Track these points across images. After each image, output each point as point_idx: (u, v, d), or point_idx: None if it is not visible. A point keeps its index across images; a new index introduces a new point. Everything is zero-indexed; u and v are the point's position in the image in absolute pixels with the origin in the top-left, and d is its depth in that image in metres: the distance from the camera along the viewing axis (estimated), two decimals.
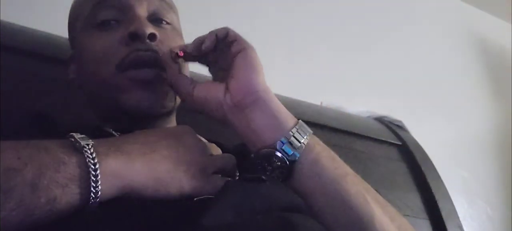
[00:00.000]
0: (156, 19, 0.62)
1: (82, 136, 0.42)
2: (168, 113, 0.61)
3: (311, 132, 0.53)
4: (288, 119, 0.52)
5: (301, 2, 1.53)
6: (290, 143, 0.50)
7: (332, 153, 0.53)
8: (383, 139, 1.18)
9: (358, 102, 1.35)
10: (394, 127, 1.24)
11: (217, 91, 0.54)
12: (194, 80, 0.57)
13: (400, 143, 1.19)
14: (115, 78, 0.57)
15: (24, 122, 0.63)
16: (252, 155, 0.52)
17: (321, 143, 0.54)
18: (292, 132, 0.51)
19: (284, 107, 0.54)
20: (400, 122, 1.27)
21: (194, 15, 1.23)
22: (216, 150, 0.53)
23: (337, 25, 1.57)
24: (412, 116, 1.36)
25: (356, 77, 1.53)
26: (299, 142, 0.50)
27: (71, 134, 0.42)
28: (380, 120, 1.28)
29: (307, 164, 0.51)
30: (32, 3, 0.98)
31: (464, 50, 1.98)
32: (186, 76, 0.58)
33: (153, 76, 0.57)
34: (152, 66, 0.57)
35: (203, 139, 0.51)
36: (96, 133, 0.46)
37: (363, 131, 1.17)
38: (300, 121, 0.53)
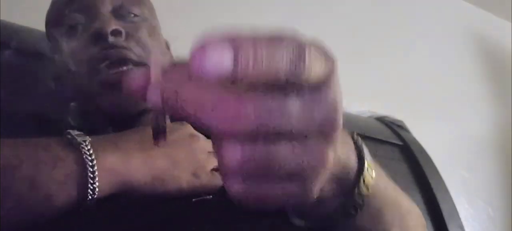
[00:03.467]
0: (122, 13, 0.60)
1: (79, 132, 0.42)
2: (148, 111, 0.58)
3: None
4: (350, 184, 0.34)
5: (301, 2, 1.53)
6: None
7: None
8: (384, 139, 1.17)
9: (359, 102, 1.34)
10: (395, 127, 1.24)
11: None
12: None
13: (401, 143, 1.18)
14: (89, 84, 0.56)
15: (23, 122, 0.63)
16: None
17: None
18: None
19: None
20: (401, 122, 1.27)
21: (193, 12, 1.23)
22: None
23: (337, 25, 1.57)
24: (413, 115, 1.36)
25: (356, 77, 1.53)
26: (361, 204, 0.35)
27: (68, 131, 0.42)
28: (381, 119, 1.28)
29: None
30: (32, 3, 0.98)
31: (465, 49, 1.97)
32: None
33: (120, 76, 0.54)
34: (119, 64, 0.55)
35: (201, 136, 0.51)
36: (93, 131, 0.46)
37: (364, 130, 1.16)
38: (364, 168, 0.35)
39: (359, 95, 1.50)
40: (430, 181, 1.10)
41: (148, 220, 0.44)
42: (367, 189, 0.34)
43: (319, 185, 0.25)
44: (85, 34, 0.57)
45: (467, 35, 2.00)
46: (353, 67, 1.55)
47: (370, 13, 1.69)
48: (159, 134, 0.28)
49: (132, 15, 0.60)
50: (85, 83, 0.56)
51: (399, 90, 1.62)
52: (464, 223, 1.07)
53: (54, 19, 0.62)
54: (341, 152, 0.32)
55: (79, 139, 0.41)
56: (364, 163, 0.34)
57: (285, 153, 0.23)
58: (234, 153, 0.22)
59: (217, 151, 0.23)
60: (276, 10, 1.44)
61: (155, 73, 0.25)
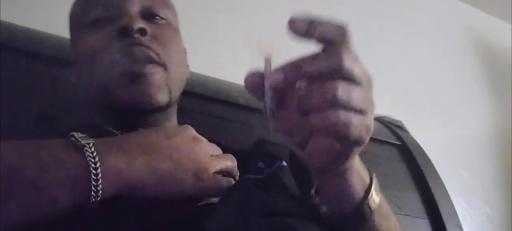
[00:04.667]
0: (149, 14, 0.62)
1: (83, 135, 0.42)
2: (163, 109, 0.60)
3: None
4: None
5: (300, 3, 1.53)
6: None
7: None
8: (383, 139, 1.17)
9: None
10: (393, 127, 1.24)
11: None
12: None
13: (399, 143, 1.19)
14: (108, 75, 0.57)
15: (24, 122, 0.63)
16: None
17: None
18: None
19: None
20: (399, 122, 1.27)
21: (193, 12, 1.23)
22: (217, 150, 0.52)
23: None
24: (412, 116, 1.37)
25: None
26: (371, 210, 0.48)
27: (72, 133, 0.42)
28: (380, 119, 1.28)
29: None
30: (32, 3, 0.98)
31: (464, 50, 1.98)
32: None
33: (142, 70, 0.56)
34: (141, 61, 0.56)
35: (203, 139, 0.51)
36: (97, 133, 0.46)
37: None
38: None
39: None
40: (429, 180, 1.11)
41: (151, 221, 0.44)
42: (375, 203, 0.47)
43: (372, 125, 0.40)
44: (110, 28, 0.58)
45: (467, 36, 2.00)
46: None
47: (370, 13, 1.69)
48: (271, 110, 0.40)
49: (158, 17, 0.62)
50: (104, 75, 0.56)
51: (398, 91, 1.62)
52: (462, 222, 1.07)
53: (80, 12, 0.63)
54: (362, 172, 0.47)
55: (83, 141, 0.41)
56: (372, 185, 0.48)
57: (356, 97, 0.38)
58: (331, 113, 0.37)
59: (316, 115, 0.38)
60: (274, 10, 1.44)
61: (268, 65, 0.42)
